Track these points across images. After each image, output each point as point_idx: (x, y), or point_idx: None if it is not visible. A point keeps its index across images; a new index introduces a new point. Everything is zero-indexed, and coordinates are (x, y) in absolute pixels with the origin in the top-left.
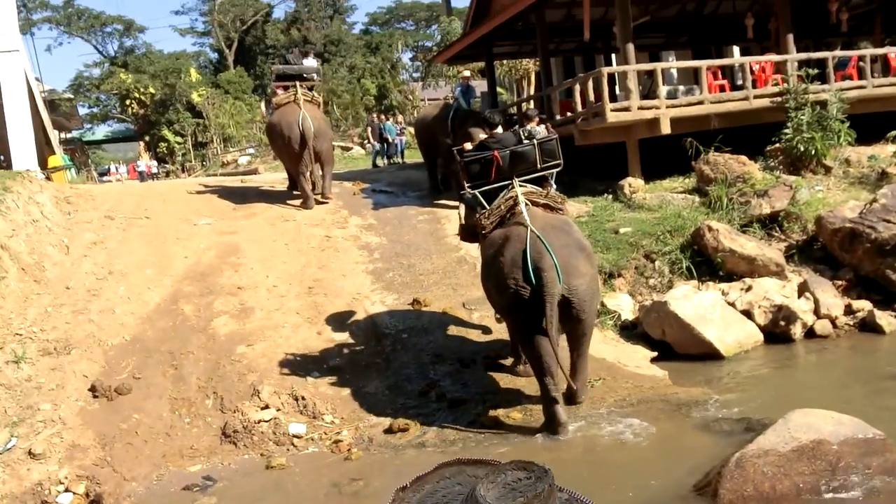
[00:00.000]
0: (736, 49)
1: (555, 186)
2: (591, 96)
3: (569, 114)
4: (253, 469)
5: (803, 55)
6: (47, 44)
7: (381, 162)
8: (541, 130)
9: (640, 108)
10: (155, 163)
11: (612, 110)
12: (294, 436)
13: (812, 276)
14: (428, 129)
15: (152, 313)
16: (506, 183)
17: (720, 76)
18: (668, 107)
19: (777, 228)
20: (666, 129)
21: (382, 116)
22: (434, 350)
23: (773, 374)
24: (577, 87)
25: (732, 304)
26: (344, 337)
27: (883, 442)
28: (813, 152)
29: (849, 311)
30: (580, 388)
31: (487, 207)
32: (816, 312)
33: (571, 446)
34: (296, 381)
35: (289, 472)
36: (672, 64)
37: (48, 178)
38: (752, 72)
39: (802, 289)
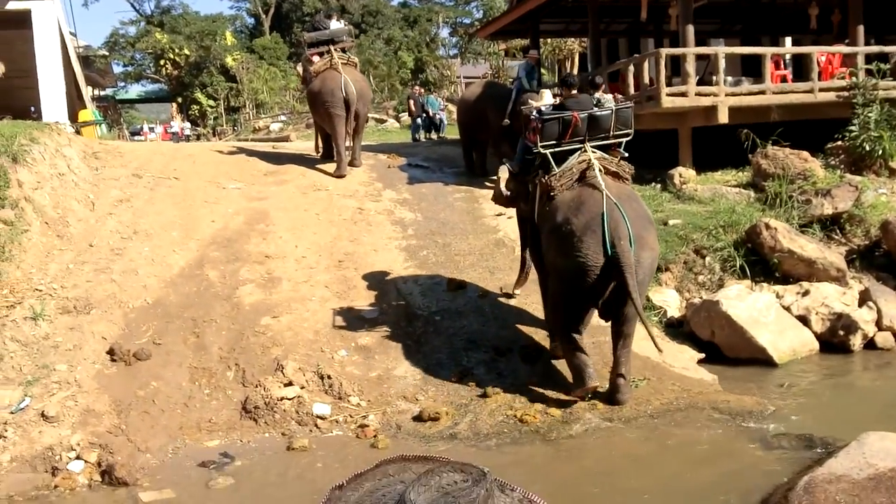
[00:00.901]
0: (788, 40)
1: (625, 155)
2: (647, 78)
3: (619, 96)
4: (274, 448)
5: (875, 48)
6: None
7: (421, 136)
8: (609, 98)
9: (698, 94)
10: (188, 124)
11: (668, 94)
12: (318, 416)
13: (874, 284)
14: (475, 107)
15: (176, 277)
16: (576, 147)
17: (782, 66)
18: (727, 94)
19: (838, 231)
20: (724, 117)
21: (421, 89)
22: (468, 335)
23: (832, 387)
24: (631, 69)
25: (788, 309)
26: (374, 315)
27: None
28: (880, 152)
29: None
30: (624, 385)
31: (556, 169)
32: (878, 324)
33: (613, 451)
34: (322, 358)
35: (311, 456)
36: (735, 49)
37: (77, 132)
38: (818, 63)
39: (864, 297)
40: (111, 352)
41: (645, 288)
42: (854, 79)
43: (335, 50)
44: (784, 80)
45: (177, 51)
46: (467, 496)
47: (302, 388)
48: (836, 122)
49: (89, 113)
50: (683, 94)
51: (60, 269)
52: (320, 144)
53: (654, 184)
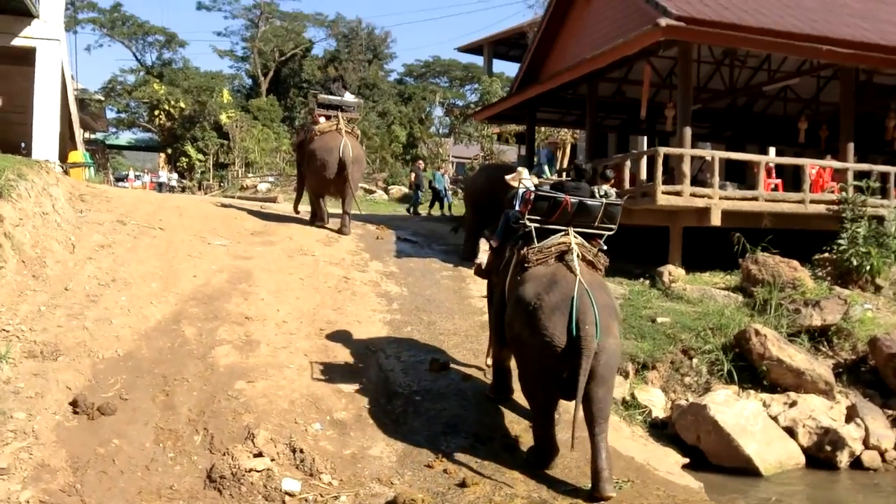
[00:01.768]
0: (772, 150)
1: (604, 248)
2: (643, 175)
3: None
4: None
5: (865, 166)
6: (87, 44)
7: (423, 210)
8: (612, 193)
9: (693, 194)
10: (175, 175)
11: (664, 192)
12: (287, 493)
13: (861, 400)
14: (491, 189)
15: (151, 330)
16: (560, 228)
17: (773, 175)
18: (721, 198)
19: (825, 343)
20: (716, 220)
21: (423, 164)
22: (449, 419)
23: None
24: (628, 164)
25: (775, 419)
26: (353, 389)
27: None
28: (868, 268)
29: None
30: (607, 476)
31: (536, 244)
32: (865, 442)
33: None
34: (295, 430)
35: None
36: (732, 154)
37: (66, 173)
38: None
39: (851, 413)
40: (75, 403)
41: (614, 371)
42: (844, 193)
43: (342, 117)
44: (775, 188)
45: (172, 103)
46: None
47: (272, 460)
48: (823, 234)
49: (80, 155)
50: (678, 194)
51: (31, 311)
52: (299, 208)
53: (642, 279)
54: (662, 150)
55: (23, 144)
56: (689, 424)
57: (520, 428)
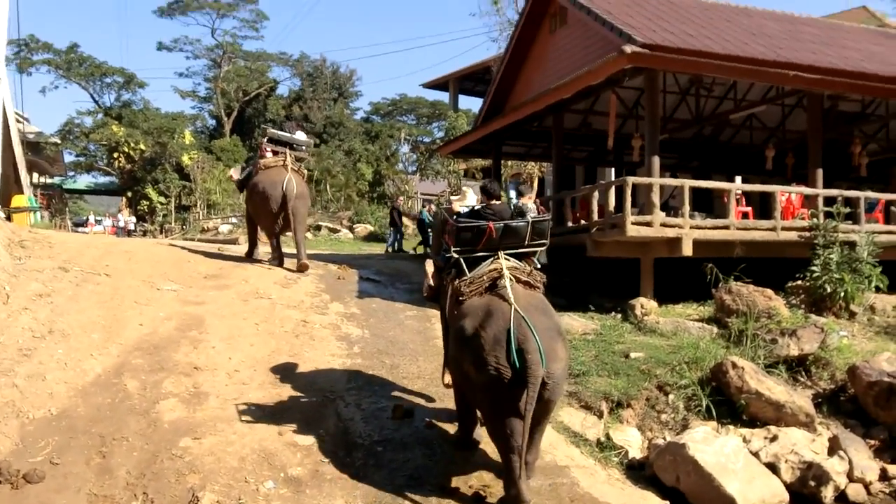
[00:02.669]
0: (738, 179)
1: (538, 265)
2: (612, 206)
3: (583, 222)
4: None
5: (835, 192)
6: (42, 85)
7: (410, 249)
8: (532, 207)
9: (663, 224)
10: (133, 219)
11: (633, 223)
12: None
13: (843, 431)
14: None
15: (89, 385)
16: (489, 254)
17: (744, 203)
18: (692, 227)
19: (804, 373)
20: (688, 250)
21: (401, 201)
22: (412, 471)
23: None
24: (596, 195)
25: (756, 455)
26: (309, 442)
27: None
28: (841, 294)
29: (884, 476)
30: (533, 464)
31: (468, 274)
32: (849, 475)
33: None
34: (245, 490)
35: None
36: (702, 182)
37: (8, 218)
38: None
39: (834, 445)
40: None
41: (561, 391)
42: (815, 220)
43: (290, 155)
44: (746, 216)
45: (132, 145)
46: None
47: None
48: (796, 262)
49: (24, 199)
50: (648, 224)
51: None
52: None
53: (614, 313)
54: (631, 179)
55: None
56: (668, 465)
57: (489, 477)
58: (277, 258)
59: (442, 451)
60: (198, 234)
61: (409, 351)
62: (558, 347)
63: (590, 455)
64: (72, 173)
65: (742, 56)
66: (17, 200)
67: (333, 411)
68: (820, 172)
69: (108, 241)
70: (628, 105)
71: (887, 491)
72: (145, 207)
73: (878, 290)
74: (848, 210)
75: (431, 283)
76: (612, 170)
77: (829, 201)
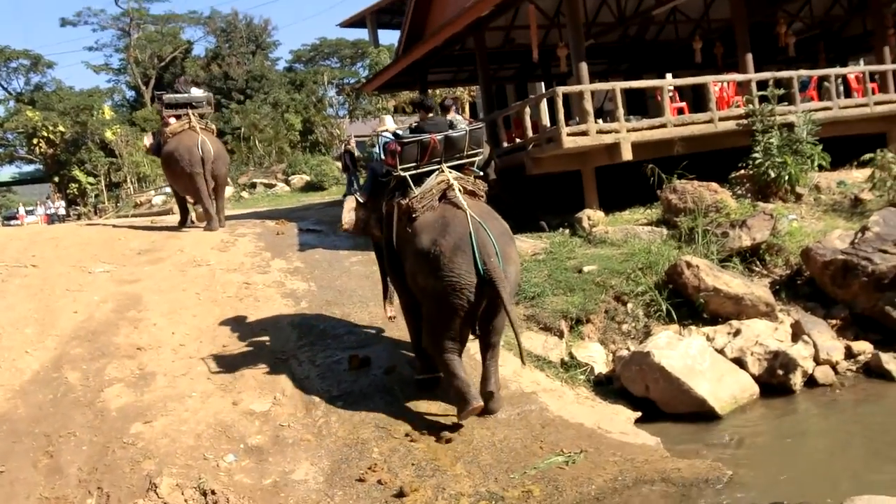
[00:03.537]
0: (669, 76)
1: (478, 173)
2: (545, 120)
3: (518, 140)
4: None
5: (768, 74)
6: None
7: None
8: (460, 119)
9: (599, 131)
10: (62, 204)
11: (569, 134)
12: None
13: (804, 315)
14: None
15: (28, 384)
16: (433, 168)
17: (677, 99)
18: (629, 130)
19: (758, 262)
20: (627, 154)
21: (353, 143)
22: (377, 421)
23: (785, 438)
24: (528, 111)
25: (721, 352)
26: (266, 408)
27: None
28: (786, 178)
29: (849, 354)
30: (497, 393)
31: (416, 191)
32: (816, 358)
33: None
34: (205, 468)
35: None
36: (634, 83)
37: None
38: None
39: (797, 331)
40: None
41: (512, 299)
42: (751, 106)
43: (193, 114)
44: (681, 112)
45: (50, 128)
46: None
47: None
48: (734, 152)
49: None
50: (584, 133)
51: None
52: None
53: (561, 229)
54: (561, 89)
55: None
56: (635, 375)
57: (456, 416)
58: (209, 220)
59: (405, 395)
60: (131, 209)
61: (358, 298)
62: (511, 251)
63: (555, 377)
64: None
65: None
66: None
67: (287, 372)
68: (749, 58)
69: (32, 230)
70: (549, 15)
71: (854, 368)
72: (75, 190)
73: (821, 168)
74: (782, 91)
75: (351, 220)
76: (542, 84)
77: (763, 86)
